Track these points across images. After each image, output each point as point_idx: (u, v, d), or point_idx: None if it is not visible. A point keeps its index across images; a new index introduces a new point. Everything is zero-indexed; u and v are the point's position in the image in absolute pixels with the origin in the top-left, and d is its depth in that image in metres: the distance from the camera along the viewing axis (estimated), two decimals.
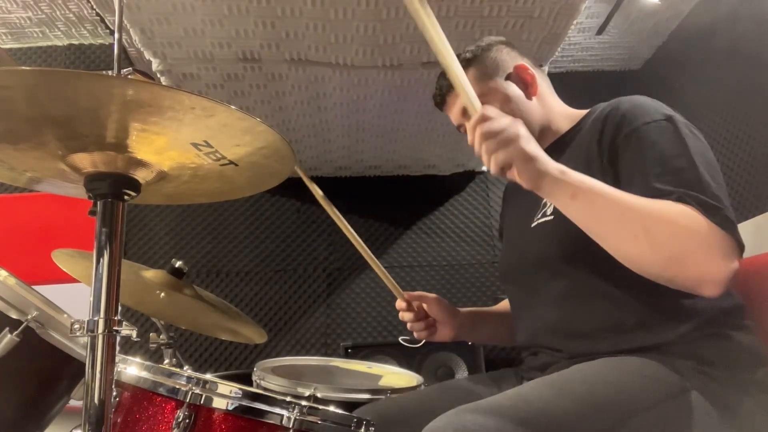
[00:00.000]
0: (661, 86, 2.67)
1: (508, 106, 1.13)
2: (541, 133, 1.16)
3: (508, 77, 1.17)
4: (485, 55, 1.18)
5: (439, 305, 1.27)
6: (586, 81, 2.88)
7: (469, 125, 0.91)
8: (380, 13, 1.64)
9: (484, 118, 0.88)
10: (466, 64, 1.16)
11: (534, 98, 1.17)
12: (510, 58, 1.19)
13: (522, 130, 0.87)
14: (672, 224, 0.83)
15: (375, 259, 1.27)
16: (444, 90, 1.21)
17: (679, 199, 0.85)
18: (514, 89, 1.16)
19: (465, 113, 1.17)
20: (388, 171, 2.84)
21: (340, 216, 1.24)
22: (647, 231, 0.83)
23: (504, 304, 1.40)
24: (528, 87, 1.17)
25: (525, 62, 1.19)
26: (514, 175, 0.87)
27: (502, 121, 0.87)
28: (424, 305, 1.28)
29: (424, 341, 2.15)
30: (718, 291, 0.82)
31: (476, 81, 1.15)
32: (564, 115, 1.19)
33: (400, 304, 1.29)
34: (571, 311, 1.01)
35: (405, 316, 1.28)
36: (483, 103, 1.13)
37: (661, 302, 0.92)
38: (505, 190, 1.41)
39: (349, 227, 1.25)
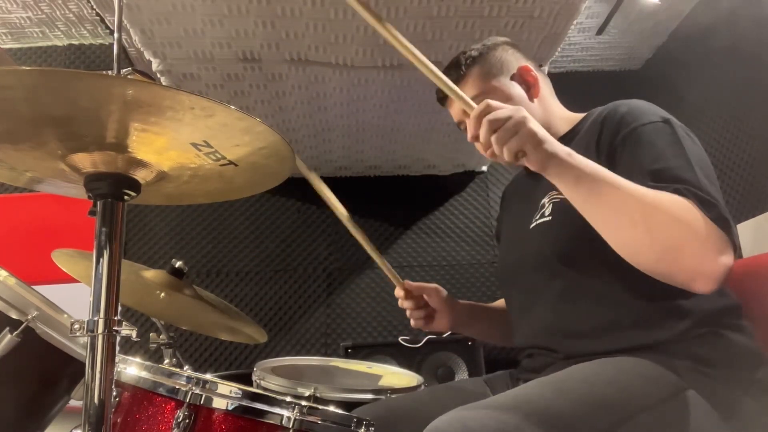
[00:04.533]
0: (661, 86, 2.67)
1: (509, 105, 1.14)
2: None
3: (512, 77, 1.19)
4: (491, 54, 1.20)
5: (438, 295, 1.27)
6: (586, 81, 2.88)
7: (471, 117, 0.91)
8: (380, 12, 1.64)
9: (488, 109, 0.89)
10: (471, 61, 1.19)
11: (535, 100, 1.19)
12: (515, 59, 1.21)
13: (528, 114, 0.89)
14: (670, 214, 0.84)
15: (373, 246, 1.24)
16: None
17: (677, 191, 0.86)
18: (517, 89, 1.18)
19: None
20: (388, 171, 2.84)
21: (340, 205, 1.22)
22: (646, 218, 0.84)
23: (503, 302, 1.39)
24: (530, 88, 1.19)
25: (529, 64, 1.21)
26: (523, 160, 0.89)
27: (506, 108, 0.89)
28: (424, 295, 1.28)
29: (424, 341, 2.18)
30: (711, 287, 0.82)
31: (480, 79, 1.17)
32: (562, 117, 1.20)
33: (399, 292, 1.29)
34: (568, 311, 1.02)
35: (405, 303, 1.29)
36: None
37: (657, 301, 0.93)
38: (503, 194, 1.42)
39: (348, 215, 1.23)
